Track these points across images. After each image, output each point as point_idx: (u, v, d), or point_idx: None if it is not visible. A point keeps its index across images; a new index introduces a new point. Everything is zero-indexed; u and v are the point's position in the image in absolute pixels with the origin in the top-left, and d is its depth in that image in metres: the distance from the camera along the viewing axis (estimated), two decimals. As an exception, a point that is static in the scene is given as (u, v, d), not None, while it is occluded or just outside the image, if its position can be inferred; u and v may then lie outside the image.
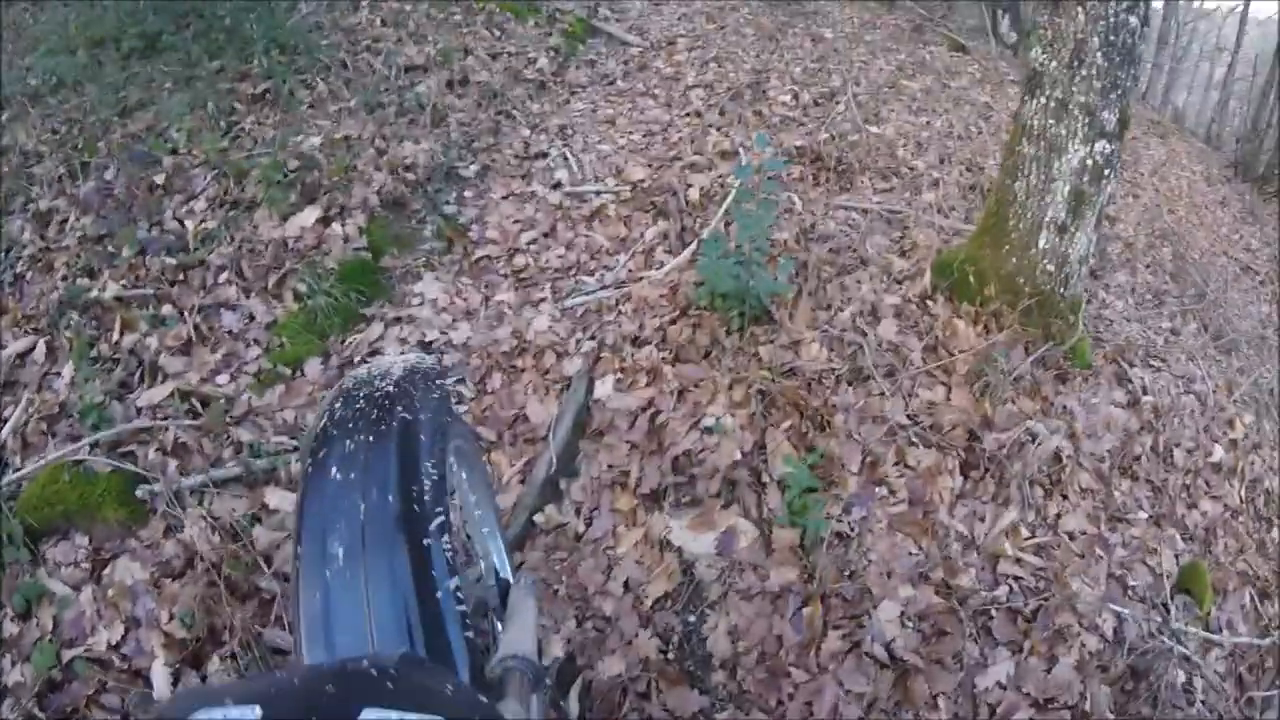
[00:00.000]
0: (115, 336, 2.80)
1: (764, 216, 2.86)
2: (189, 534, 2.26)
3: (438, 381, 1.28)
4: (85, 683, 2.04)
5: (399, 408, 1.12)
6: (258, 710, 0.61)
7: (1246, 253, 6.63)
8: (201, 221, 3.17)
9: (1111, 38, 2.78)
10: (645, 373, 2.74)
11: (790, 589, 2.25)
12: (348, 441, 1.06)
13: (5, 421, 2.56)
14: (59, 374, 2.72)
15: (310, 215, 3.21)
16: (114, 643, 2.12)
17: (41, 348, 2.80)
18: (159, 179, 3.33)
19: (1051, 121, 2.93)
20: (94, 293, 2.90)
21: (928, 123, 5.18)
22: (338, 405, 1.14)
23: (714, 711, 2.10)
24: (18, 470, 2.41)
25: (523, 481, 2.48)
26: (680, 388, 2.67)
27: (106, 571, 2.25)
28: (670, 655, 2.18)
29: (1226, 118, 11.35)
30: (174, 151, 3.48)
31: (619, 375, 2.74)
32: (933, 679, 2.16)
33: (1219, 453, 3.31)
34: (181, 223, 3.18)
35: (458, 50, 4.67)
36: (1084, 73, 2.83)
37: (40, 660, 2.07)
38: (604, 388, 2.70)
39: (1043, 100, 2.96)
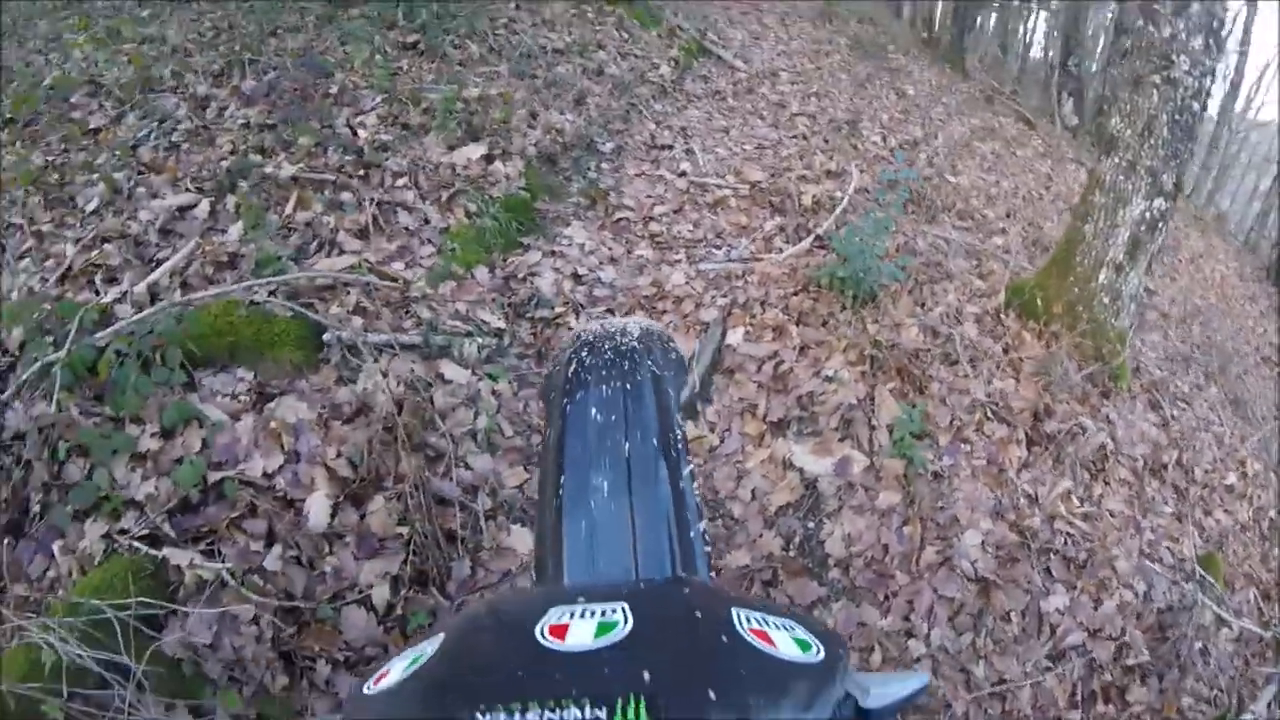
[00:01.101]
0: (289, 210, 3.14)
1: (886, 220, 3.51)
2: (364, 384, 2.47)
3: (672, 344, 1.36)
4: (230, 505, 2.13)
5: (649, 362, 1.20)
6: (627, 608, 0.68)
7: (1269, 345, 7.33)
8: (375, 134, 3.66)
9: (1177, 116, 3.48)
10: (771, 329, 3.34)
11: (895, 509, 2.82)
12: (604, 387, 1.14)
13: (162, 263, 2.75)
14: (224, 230, 2.98)
15: (476, 150, 3.75)
16: (270, 471, 2.24)
17: (205, 205, 3.06)
18: (332, 89, 3.85)
19: (1121, 178, 3.61)
20: (268, 169, 3.25)
21: (997, 181, 5.90)
22: (584, 353, 1.21)
23: (830, 600, 2.61)
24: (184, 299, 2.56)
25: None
26: (802, 344, 3.27)
27: (270, 406, 2.38)
28: (791, 553, 2.72)
29: (1267, 227, 12.17)
30: (342, 70, 4.01)
31: (749, 328, 3.34)
32: (1009, 595, 2.73)
33: (1232, 478, 3.93)
34: (354, 131, 3.65)
35: (592, 44, 5.38)
36: (1152, 141, 3.51)
37: (186, 475, 2.11)
38: (735, 336, 3.30)
39: (1116, 160, 3.63)
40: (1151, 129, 3.50)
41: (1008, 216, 5.18)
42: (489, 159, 3.83)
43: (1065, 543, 3.00)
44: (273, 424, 2.31)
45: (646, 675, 0.60)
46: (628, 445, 1.08)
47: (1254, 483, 4.28)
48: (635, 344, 1.23)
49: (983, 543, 2.83)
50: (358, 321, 2.73)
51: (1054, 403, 3.41)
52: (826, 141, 5.18)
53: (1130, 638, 2.84)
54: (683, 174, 4.47)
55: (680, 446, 1.12)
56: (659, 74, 5.54)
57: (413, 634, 2.17)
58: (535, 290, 3.26)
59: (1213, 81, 3.95)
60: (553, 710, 0.58)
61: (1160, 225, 3.66)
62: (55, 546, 2.01)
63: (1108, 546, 3.06)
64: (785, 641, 0.69)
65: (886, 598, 2.65)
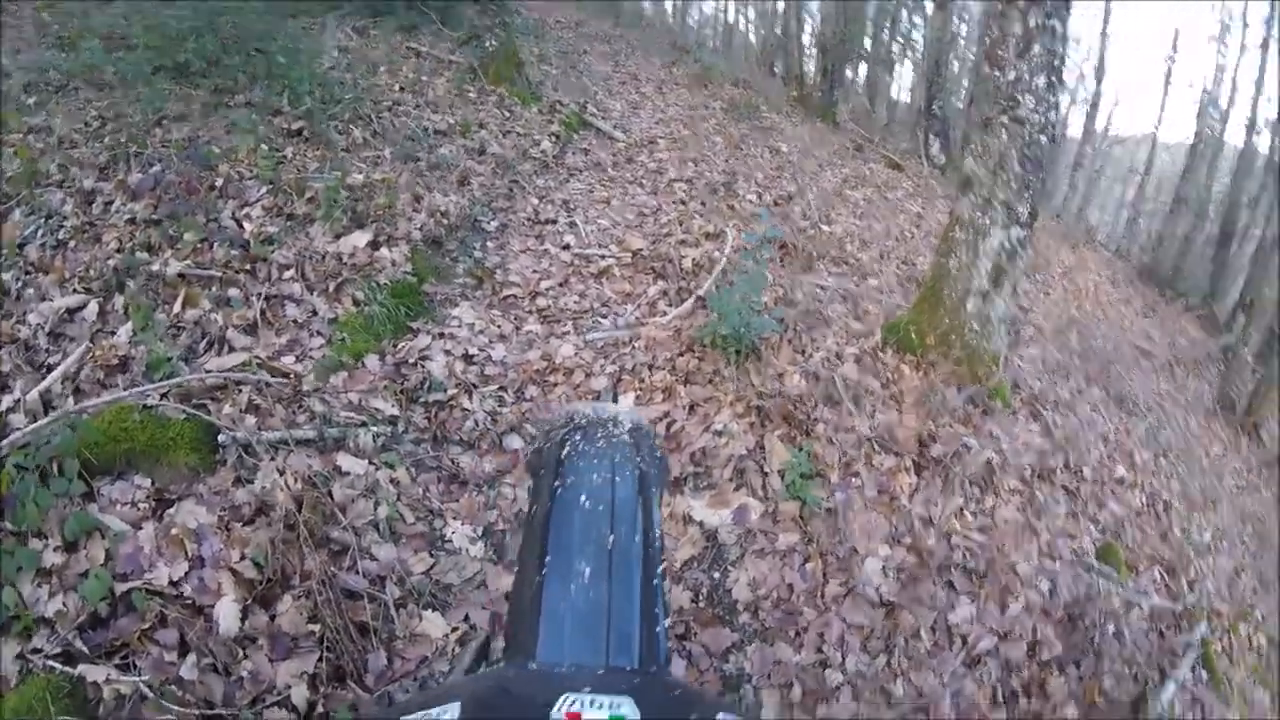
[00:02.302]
0: (177, 309, 3.17)
1: (760, 275, 3.77)
2: (261, 484, 2.50)
3: (657, 440, 1.45)
4: (140, 616, 2.13)
5: (638, 458, 1.27)
6: (632, 704, 0.75)
7: (1147, 341, 7.95)
8: (261, 225, 3.72)
9: (1026, 151, 3.88)
10: (661, 391, 3.52)
11: (795, 549, 2.99)
12: (595, 476, 1.21)
13: (53, 369, 2.76)
14: (113, 332, 2.99)
15: (362, 238, 3.87)
16: (175, 579, 2.24)
17: (94, 307, 3.07)
18: (217, 182, 3.91)
19: (978, 214, 3.98)
20: (155, 266, 3.27)
21: (869, 225, 6.35)
22: (578, 438, 1.28)
23: (744, 644, 2.73)
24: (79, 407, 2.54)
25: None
26: (691, 403, 3.46)
27: (170, 512, 2.40)
28: (701, 604, 2.84)
29: (1136, 234, 13.21)
30: (227, 161, 4.07)
31: (639, 392, 3.52)
32: (915, 614, 2.90)
33: (1121, 470, 4.27)
34: (240, 224, 3.71)
35: (474, 124, 5.62)
36: (1005, 177, 3.90)
37: (92, 590, 2.11)
38: (626, 401, 3.47)
39: (973, 197, 4.01)
40: (1003, 165, 3.89)
41: (881, 258, 5.57)
42: (375, 245, 3.95)
43: (964, 556, 3.21)
44: (174, 530, 2.33)
45: None
46: (612, 537, 1.14)
47: (1144, 471, 4.65)
48: (627, 437, 1.31)
49: (883, 568, 3.01)
50: (251, 420, 2.78)
51: (937, 428, 3.67)
52: (704, 205, 5.50)
53: (1041, 635, 3.04)
54: (567, 247, 4.68)
55: (658, 545, 1.18)
56: (540, 149, 5.81)
57: None
58: (427, 374, 3.36)
59: (1058, 116, 4.40)
60: None
61: (1019, 252, 4.03)
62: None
63: (1006, 553, 3.29)
64: None
65: (798, 634, 2.79)
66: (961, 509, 3.41)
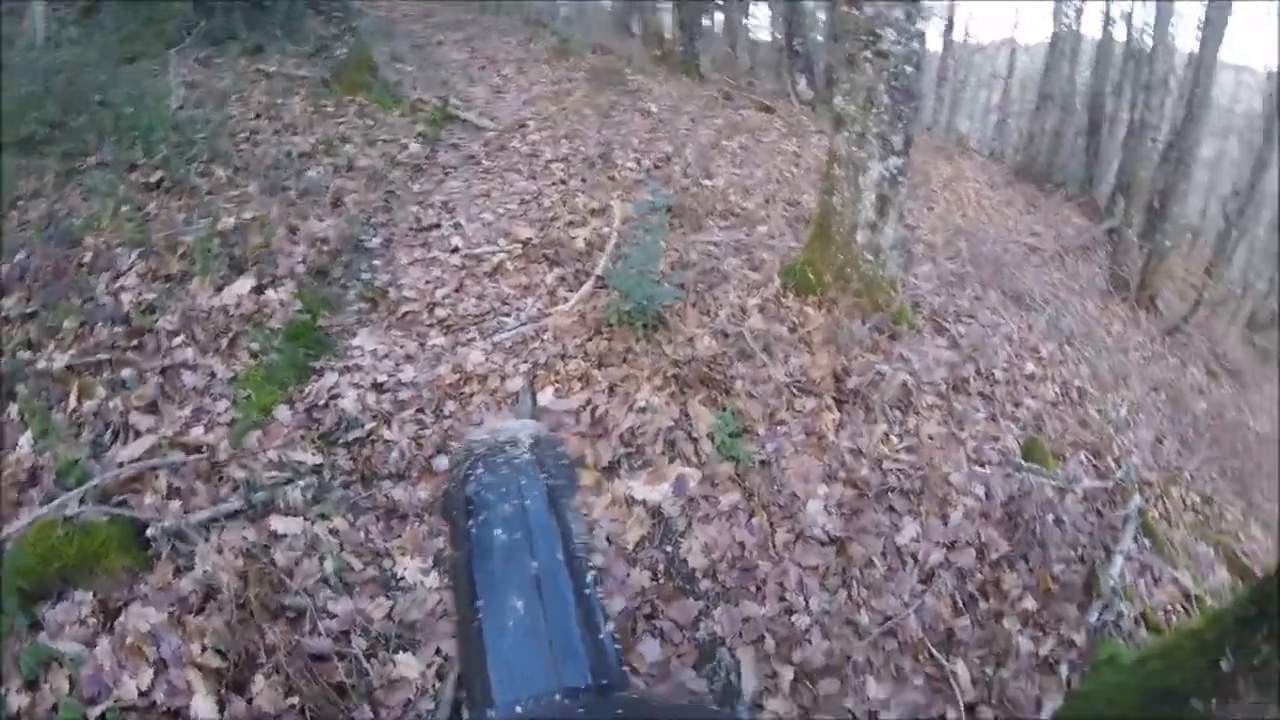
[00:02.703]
0: (73, 403, 3.08)
1: (654, 245, 3.80)
2: (202, 568, 2.48)
3: (560, 448, 1.46)
4: None
5: (542, 474, 1.29)
6: None
7: (1033, 236, 8.37)
8: (139, 294, 3.60)
9: (894, 83, 4.00)
10: (578, 379, 3.53)
11: (738, 507, 3.07)
12: (505, 506, 1.23)
13: None
14: (15, 445, 2.89)
15: (245, 284, 3.74)
16: (144, 689, 2.22)
17: None
18: (85, 257, 3.73)
19: (855, 148, 4.10)
20: (40, 364, 3.18)
21: (750, 173, 6.46)
22: (480, 470, 1.30)
23: (710, 609, 2.80)
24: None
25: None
26: (609, 385, 3.48)
27: (120, 621, 2.37)
28: (661, 580, 2.89)
29: (1006, 136, 13.80)
30: (91, 232, 3.88)
31: (556, 385, 3.52)
32: (864, 544, 3.04)
33: (1030, 366, 4.51)
34: (116, 296, 3.57)
35: (337, 139, 5.45)
36: (876, 111, 4.02)
37: None
38: (546, 397, 3.46)
39: (847, 134, 4.12)
40: (872, 100, 4.00)
41: (767, 203, 5.68)
42: (259, 290, 3.81)
43: (898, 479, 3.35)
44: (129, 639, 2.30)
45: None
46: (535, 564, 1.16)
47: (1052, 362, 4.92)
48: (527, 455, 1.33)
49: (825, 507, 3.13)
50: (175, 505, 2.72)
51: (850, 361, 3.81)
52: (584, 181, 5.49)
53: (986, 538, 3.23)
54: (455, 250, 4.61)
55: (581, 555, 1.20)
56: (409, 153, 5.68)
57: None
58: (341, 413, 3.28)
59: (922, 45, 4.52)
60: None
61: (900, 179, 4.17)
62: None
63: (936, 467, 3.45)
64: None
65: (758, 588, 2.88)
66: (887, 434, 3.55)
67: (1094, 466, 4.15)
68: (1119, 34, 11.22)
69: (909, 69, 4.02)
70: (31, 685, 2.19)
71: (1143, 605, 3.30)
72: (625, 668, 1.34)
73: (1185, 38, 12.49)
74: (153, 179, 4.50)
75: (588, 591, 1.17)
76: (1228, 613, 2.14)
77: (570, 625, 1.12)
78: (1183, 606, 3.51)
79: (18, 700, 2.15)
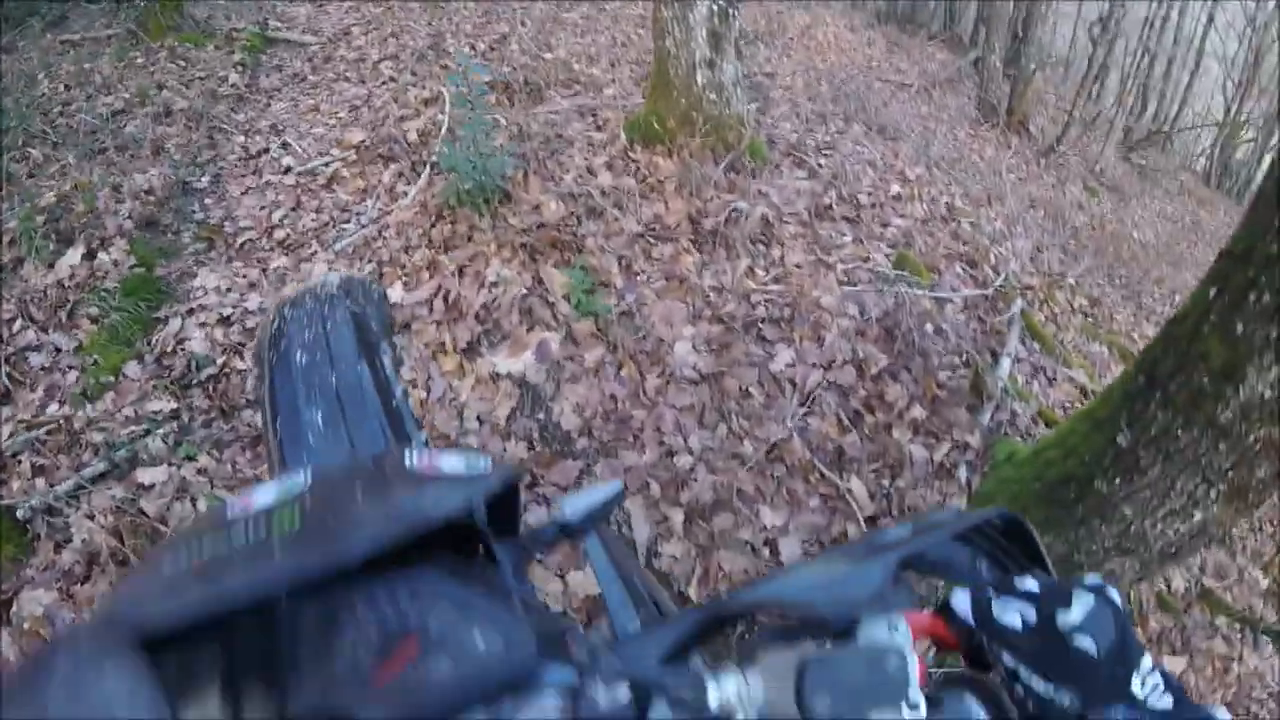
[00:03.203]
0: None
1: (480, 119, 3.60)
2: (79, 537, 2.48)
3: (372, 286, 1.48)
4: None
5: (347, 303, 1.32)
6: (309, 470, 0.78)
7: (898, 74, 8.34)
8: None
9: None
10: (425, 269, 3.36)
11: (604, 362, 3.00)
12: (305, 332, 1.24)
13: None
14: None
15: (75, 255, 3.51)
16: None
17: None
18: None
19: (678, -13, 3.92)
20: None
21: (593, 41, 6.21)
22: (286, 309, 1.32)
23: (590, 468, 2.76)
24: None
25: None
26: (458, 268, 3.33)
27: (13, 612, 2.36)
28: (537, 448, 2.83)
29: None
30: None
31: (404, 280, 3.36)
32: (737, 376, 3.01)
33: (896, 188, 4.50)
34: None
35: (152, 88, 5.04)
36: None
37: None
38: (397, 292, 3.30)
39: (666, -27, 3.93)
40: (690, -66, 3.81)
41: (613, 66, 5.48)
42: (90, 255, 3.58)
43: (767, 310, 3.32)
44: (26, 625, 2.30)
45: (307, 498, 0.72)
46: (334, 377, 1.18)
47: (920, 183, 4.93)
48: (335, 290, 1.36)
49: (693, 346, 3.09)
50: (41, 483, 2.65)
51: (705, 204, 3.72)
52: (414, 74, 5.19)
53: (864, 354, 3.22)
54: (288, 170, 4.33)
55: (389, 371, 1.23)
56: (230, 85, 5.27)
57: None
58: (190, 355, 3.11)
59: None
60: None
61: (730, 12, 4.00)
62: None
63: (806, 293, 3.43)
64: (452, 464, 0.79)
65: (635, 437, 2.84)
66: (751, 268, 3.51)
67: (971, 277, 4.17)
68: None
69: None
70: None
71: (1039, 404, 3.37)
72: None
73: None
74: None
75: (396, 403, 1.19)
76: (1115, 388, 2.17)
77: (375, 437, 1.13)
78: (1081, 404, 3.53)
79: None
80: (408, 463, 0.79)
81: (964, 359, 3.44)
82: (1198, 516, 1.94)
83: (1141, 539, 2.07)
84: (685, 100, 4.06)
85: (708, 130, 4.05)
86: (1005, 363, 3.42)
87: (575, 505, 0.97)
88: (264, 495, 0.73)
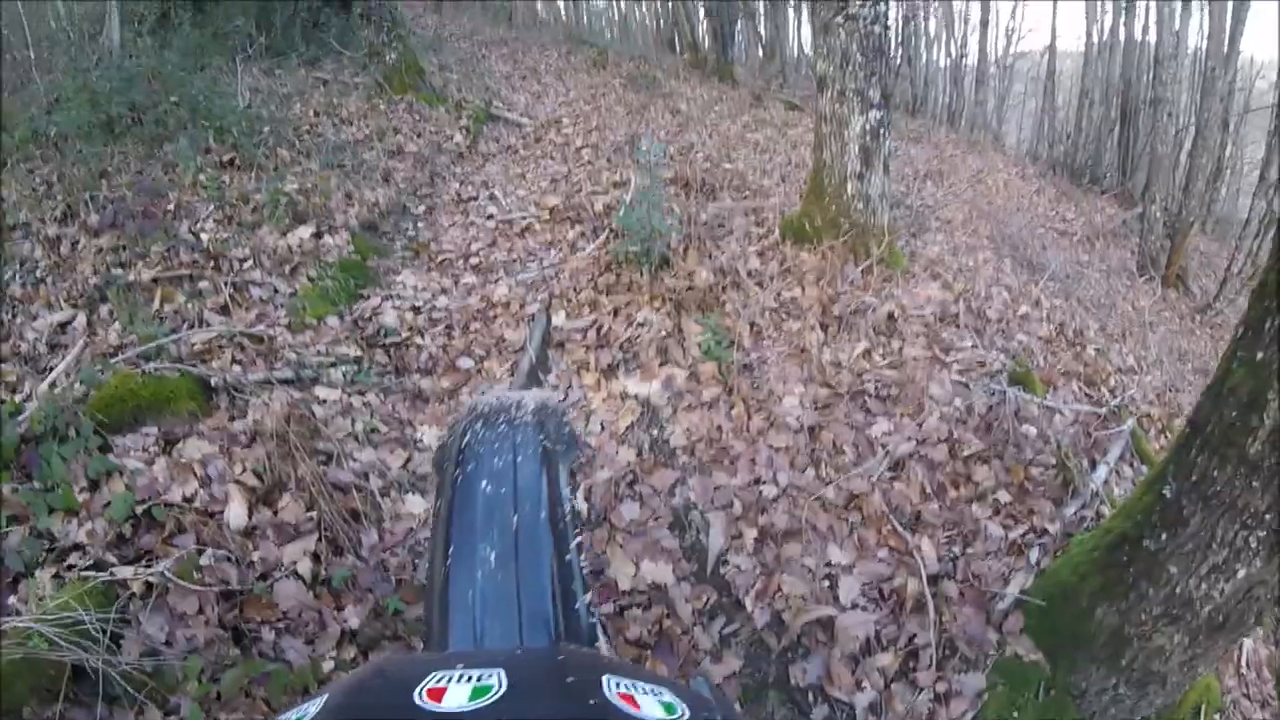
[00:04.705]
0: (156, 305, 3.73)
1: (657, 194, 4.30)
2: (253, 416, 2.92)
3: (565, 418, 1.43)
4: (160, 528, 2.52)
5: (541, 436, 1.27)
6: (502, 674, 0.73)
7: (1063, 222, 8.58)
8: (215, 234, 4.28)
9: (865, 43, 4.42)
10: (586, 305, 4.02)
11: (719, 399, 3.48)
12: (495, 460, 1.21)
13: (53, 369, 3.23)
14: (103, 335, 3.49)
15: (306, 231, 4.43)
16: (188, 496, 2.64)
17: (82, 318, 3.59)
18: (170, 206, 4.42)
19: (837, 105, 4.53)
20: (130, 277, 3.83)
21: (770, 158, 6.94)
22: (478, 426, 1.29)
23: (685, 480, 3.20)
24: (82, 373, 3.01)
25: (511, 374, 3.66)
26: (614, 308, 3.96)
27: (177, 448, 2.83)
28: (644, 456, 3.32)
29: (1044, 135, 13.94)
30: (174, 190, 4.59)
31: (568, 310, 4.02)
32: (835, 432, 3.39)
33: (1025, 309, 4.78)
34: (197, 235, 4.26)
35: (389, 130, 6.21)
36: (851, 69, 4.46)
37: (118, 508, 2.48)
38: (559, 319, 3.96)
39: (829, 93, 4.57)
40: (847, 59, 4.44)
41: (783, 181, 6.14)
42: (318, 235, 4.51)
43: (875, 388, 3.68)
44: (182, 460, 2.77)
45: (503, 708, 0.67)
46: (516, 518, 1.14)
47: (1050, 309, 5.17)
48: (529, 418, 1.31)
49: (800, 402, 3.51)
50: (237, 369, 3.31)
51: (838, 295, 4.20)
52: (609, 161, 6.06)
53: (960, 437, 3.47)
54: (490, 216, 5.20)
55: (568, 520, 1.18)
56: (454, 142, 6.37)
57: (339, 590, 2.64)
58: (381, 325, 3.88)
59: (887, 7, 4.94)
60: None
61: (882, 131, 4.58)
62: (11, 600, 2.32)
63: (917, 382, 3.75)
64: (650, 705, 0.73)
65: (731, 462, 3.26)
66: (869, 351, 3.91)
67: (1086, 395, 4.34)
68: (1150, 34, 11.39)
69: (877, 29, 4.44)
70: (94, 486, 2.62)
71: None
72: (602, 641, 1.26)
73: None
74: (225, 159, 5.22)
75: (569, 557, 1.14)
76: (1170, 447, 2.25)
77: (544, 587, 1.09)
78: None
79: (80, 496, 2.57)
80: (607, 691, 0.74)
81: (1059, 462, 3.60)
82: (1241, 573, 1.97)
83: (1188, 603, 2.11)
84: (835, 206, 4.60)
85: (852, 234, 4.56)
86: (1102, 470, 3.53)
87: None
88: (456, 694, 0.70)
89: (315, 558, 2.69)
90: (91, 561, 2.39)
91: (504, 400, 1.39)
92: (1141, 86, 10.89)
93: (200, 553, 2.54)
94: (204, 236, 4.23)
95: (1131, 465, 3.82)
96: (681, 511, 3.11)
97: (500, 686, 0.71)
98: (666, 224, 4.24)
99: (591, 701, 0.72)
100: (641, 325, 3.81)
